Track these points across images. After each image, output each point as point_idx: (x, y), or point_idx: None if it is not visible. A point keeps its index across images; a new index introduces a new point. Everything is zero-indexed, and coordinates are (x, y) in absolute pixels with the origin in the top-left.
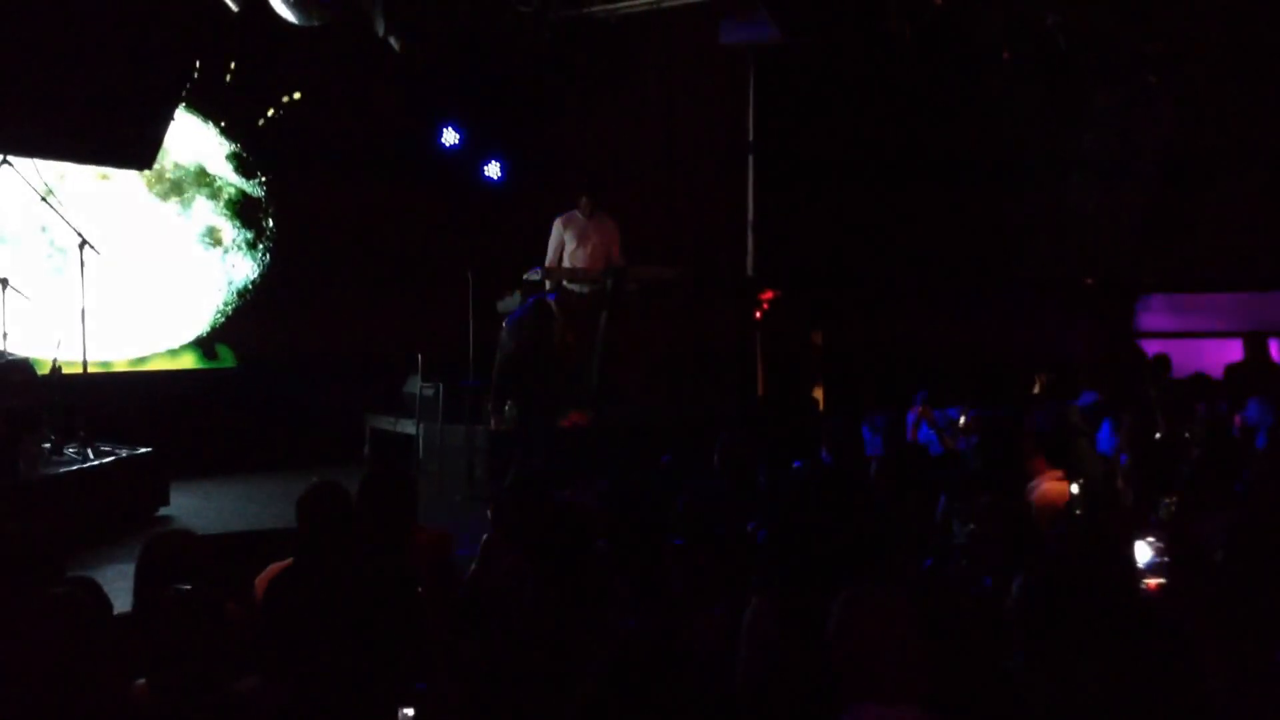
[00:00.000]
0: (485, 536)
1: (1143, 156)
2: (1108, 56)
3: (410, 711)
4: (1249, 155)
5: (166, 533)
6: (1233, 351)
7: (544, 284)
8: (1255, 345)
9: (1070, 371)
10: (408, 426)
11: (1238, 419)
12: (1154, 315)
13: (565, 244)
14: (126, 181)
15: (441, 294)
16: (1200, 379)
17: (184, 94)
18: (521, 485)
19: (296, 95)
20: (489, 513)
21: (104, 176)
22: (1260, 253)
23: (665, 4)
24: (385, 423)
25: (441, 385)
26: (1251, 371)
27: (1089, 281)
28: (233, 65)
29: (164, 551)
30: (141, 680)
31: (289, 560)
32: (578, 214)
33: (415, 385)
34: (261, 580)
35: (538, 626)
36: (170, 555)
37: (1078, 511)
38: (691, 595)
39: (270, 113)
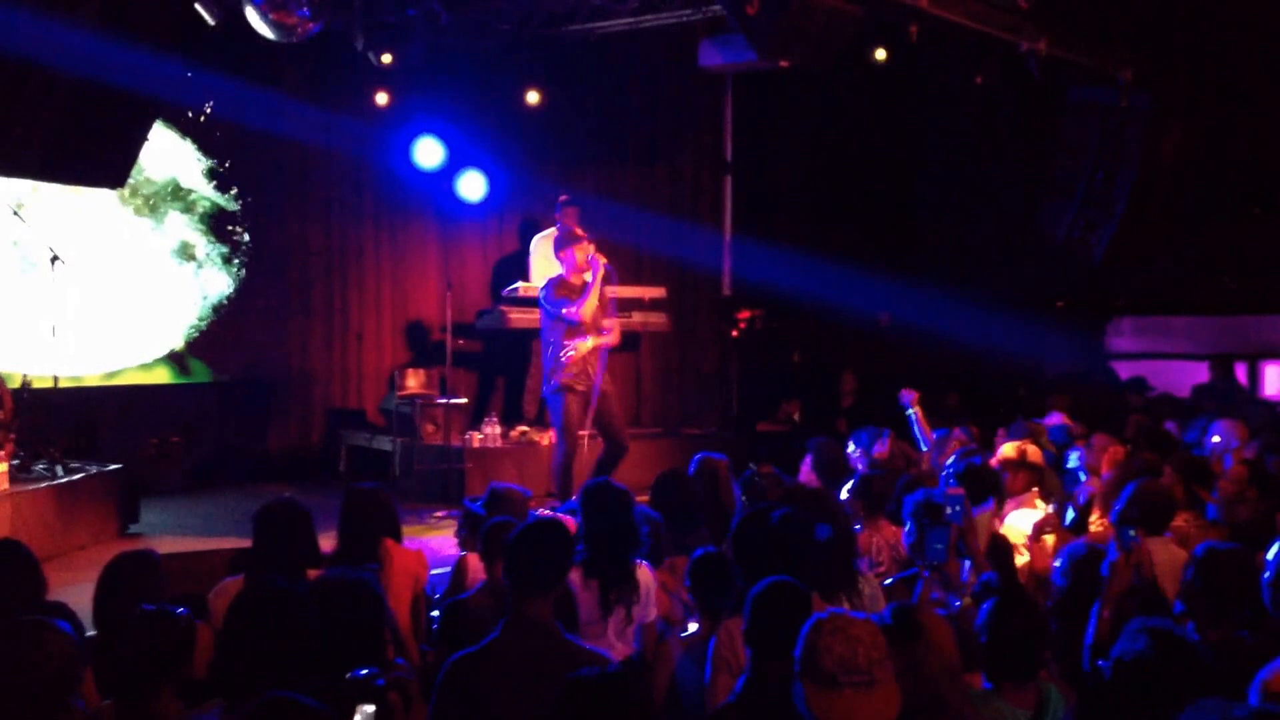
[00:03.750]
0: (460, 555)
1: (1114, 181)
2: (1080, 84)
3: (370, 708)
4: (1218, 181)
5: (128, 554)
6: (1199, 374)
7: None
8: (1221, 369)
9: (1042, 390)
10: (383, 443)
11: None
12: (1123, 338)
13: (548, 262)
14: (100, 196)
15: (419, 310)
16: (1168, 400)
17: (159, 111)
18: (498, 502)
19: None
20: (456, 533)
21: (77, 191)
22: (1229, 276)
23: (643, 25)
24: (361, 439)
25: (418, 402)
26: (1217, 394)
27: (1060, 304)
28: (210, 79)
29: (125, 572)
30: (108, 701)
31: (241, 576)
32: (556, 231)
33: (391, 402)
34: (215, 597)
35: (512, 644)
36: (131, 576)
37: (1047, 532)
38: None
39: (246, 127)
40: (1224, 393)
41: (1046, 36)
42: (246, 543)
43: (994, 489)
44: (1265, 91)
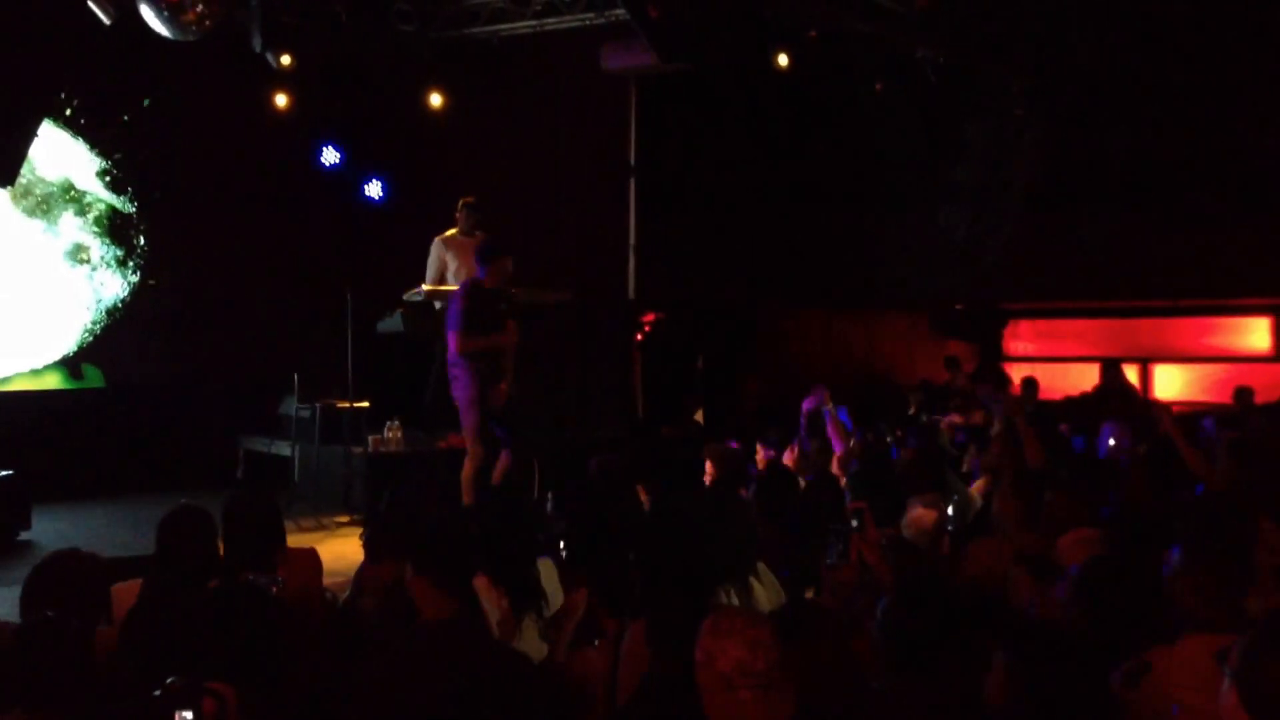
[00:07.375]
0: (361, 562)
1: (1010, 186)
2: (976, 90)
3: (189, 714)
4: (1111, 185)
5: (60, 554)
6: (1094, 376)
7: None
8: (1110, 371)
9: (940, 394)
10: (283, 448)
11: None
12: (1020, 340)
13: (447, 264)
14: None
15: (319, 314)
16: (1070, 403)
17: (50, 108)
18: (399, 505)
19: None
20: (360, 537)
21: None
22: (1122, 280)
23: (547, 28)
24: (260, 444)
25: (318, 406)
26: (1107, 396)
27: (959, 306)
28: (104, 79)
29: (56, 574)
30: (16, 711)
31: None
32: (457, 233)
33: (291, 406)
34: (119, 591)
35: (417, 650)
36: (62, 578)
37: (950, 528)
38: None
39: (142, 128)
40: (1114, 395)
41: (943, 44)
42: (145, 551)
43: (895, 491)
44: (1155, 99)
